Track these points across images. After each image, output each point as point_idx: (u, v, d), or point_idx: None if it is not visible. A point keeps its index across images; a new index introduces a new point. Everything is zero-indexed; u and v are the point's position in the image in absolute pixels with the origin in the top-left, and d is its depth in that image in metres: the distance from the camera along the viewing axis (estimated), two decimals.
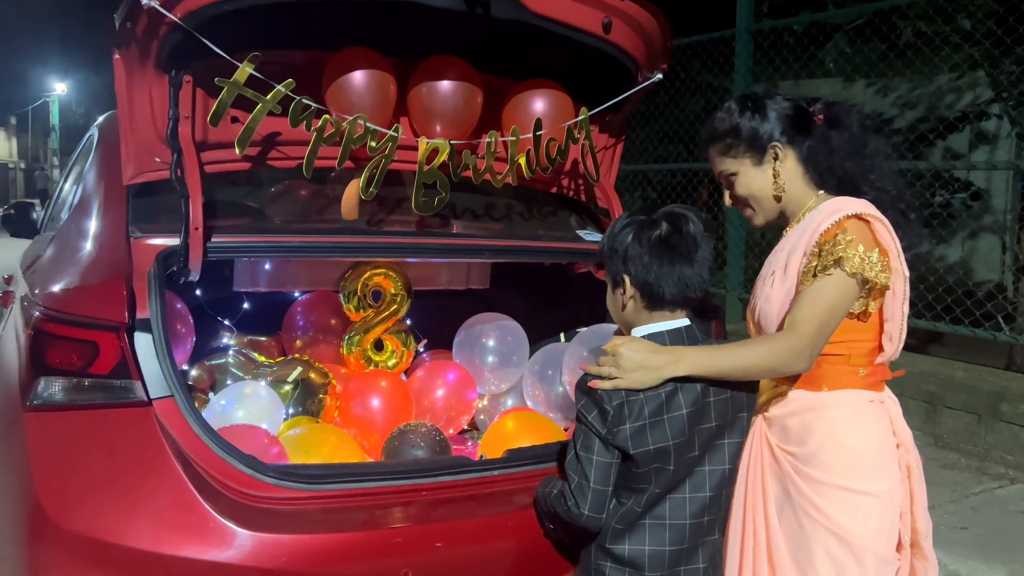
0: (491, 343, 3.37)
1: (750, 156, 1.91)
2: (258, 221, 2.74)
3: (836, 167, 1.89)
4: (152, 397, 2.09)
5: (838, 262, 1.72)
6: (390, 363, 3.29)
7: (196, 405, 2.50)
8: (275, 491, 2.12)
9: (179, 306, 2.70)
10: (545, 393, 3.22)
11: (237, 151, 2.40)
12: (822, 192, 1.92)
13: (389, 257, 2.91)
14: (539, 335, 3.54)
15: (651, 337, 1.75)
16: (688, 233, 1.73)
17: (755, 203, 1.95)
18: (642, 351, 1.70)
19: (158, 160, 2.53)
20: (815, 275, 1.76)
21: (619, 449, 1.69)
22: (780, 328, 1.81)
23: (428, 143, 2.68)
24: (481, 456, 2.45)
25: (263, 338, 3.30)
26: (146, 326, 2.14)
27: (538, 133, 2.83)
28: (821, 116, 1.90)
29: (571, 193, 3.33)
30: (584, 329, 3.14)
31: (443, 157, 2.69)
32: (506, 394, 3.47)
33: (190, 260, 2.38)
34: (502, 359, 3.36)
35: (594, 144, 3.04)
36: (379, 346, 3.30)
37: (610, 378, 1.70)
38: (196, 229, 2.37)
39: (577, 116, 2.92)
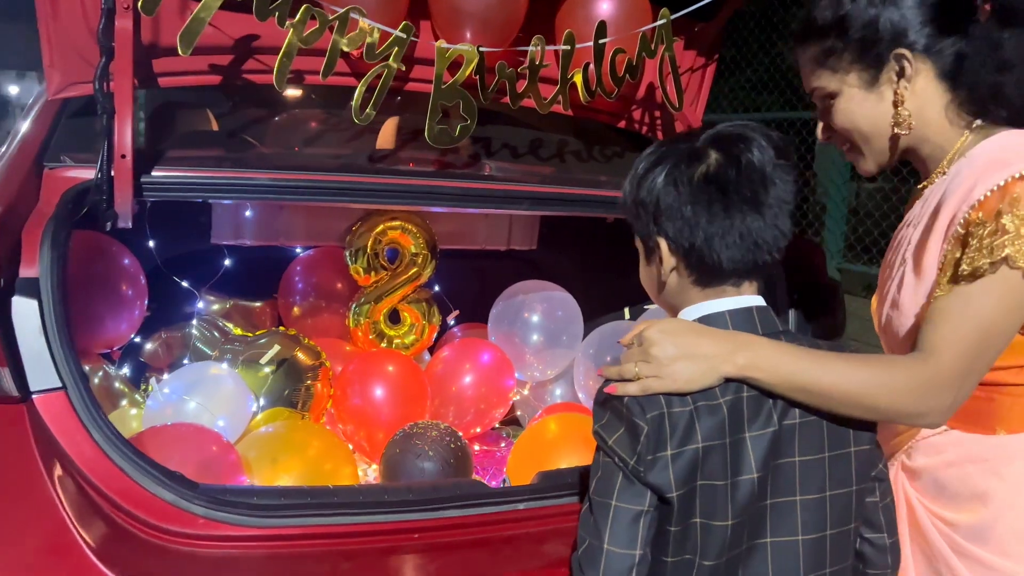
0: (536, 318, 2.68)
1: (860, 69, 1.28)
2: (223, 151, 2.09)
3: (1010, 91, 1.23)
4: (32, 390, 1.48)
5: (1003, 258, 1.11)
6: (408, 340, 2.63)
7: (142, 391, 1.91)
8: (204, 526, 1.50)
9: (126, 261, 2.09)
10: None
11: (180, 50, 1.73)
12: (980, 123, 1.27)
13: (404, 204, 2.23)
14: (597, 310, 2.83)
15: (706, 320, 1.15)
16: (751, 164, 1.13)
17: (863, 141, 1.33)
18: (682, 333, 1.11)
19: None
20: (961, 277, 1.15)
21: (655, 490, 1.08)
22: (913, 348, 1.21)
23: (449, 49, 1.97)
24: (504, 481, 1.76)
25: (256, 303, 2.68)
26: (31, 289, 1.52)
27: (601, 42, 2.10)
28: (989, 5, 1.22)
29: (643, 128, 2.58)
30: (654, 306, 2.40)
31: (469, 70, 2.00)
32: (553, 382, 2.79)
33: (115, 199, 1.75)
34: (549, 338, 2.67)
35: (677, 62, 2.28)
36: (395, 318, 2.64)
37: (637, 379, 1.10)
38: (123, 157, 1.73)
39: (655, 20, 2.17)
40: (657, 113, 2.57)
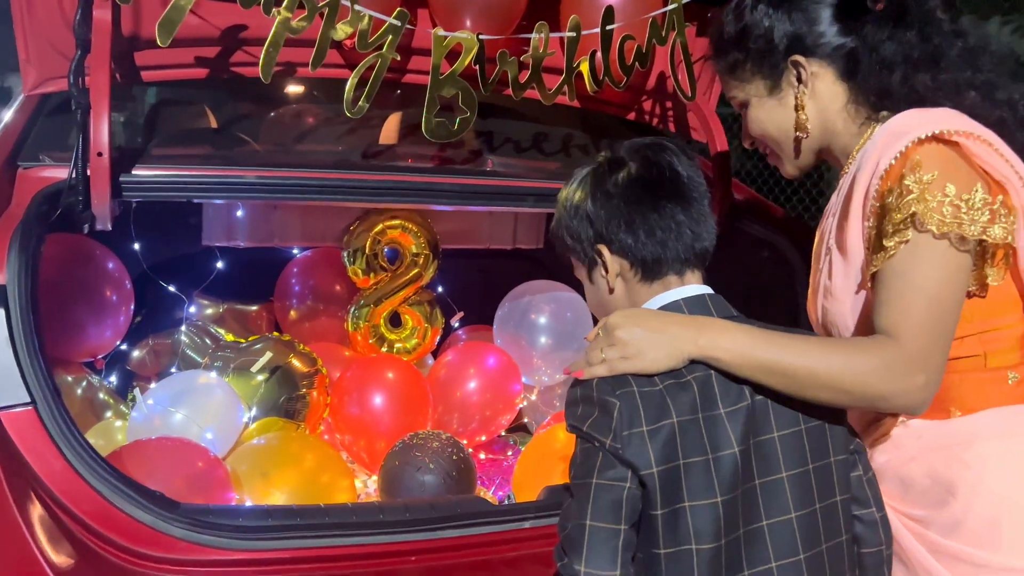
0: (544, 320, 2.57)
1: (761, 78, 1.35)
2: (209, 148, 1.99)
3: (896, 89, 1.27)
4: None
5: (913, 220, 1.13)
6: (409, 344, 2.52)
7: (129, 401, 1.81)
8: (184, 550, 1.39)
9: (110, 265, 1.99)
10: None
11: (158, 40, 1.62)
12: (885, 114, 1.30)
13: (404, 202, 2.11)
14: None
15: (665, 309, 1.19)
16: (668, 163, 1.22)
17: (775, 145, 1.40)
18: (645, 317, 1.14)
19: None
20: (885, 248, 1.16)
21: (634, 469, 1.07)
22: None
23: (447, 38, 1.85)
24: (508, 496, 1.65)
25: (250, 307, 2.57)
26: None
27: (608, 28, 1.98)
28: (881, 4, 1.27)
29: (654, 119, 2.46)
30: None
31: (468, 60, 1.88)
32: (562, 387, 2.66)
33: (92, 200, 1.65)
34: (558, 341, 2.56)
35: (689, 49, 2.16)
36: (396, 321, 2.53)
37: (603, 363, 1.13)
38: (100, 155, 1.63)
39: (666, 5, 2.05)
40: (668, 104, 2.45)
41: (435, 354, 2.66)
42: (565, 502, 1.11)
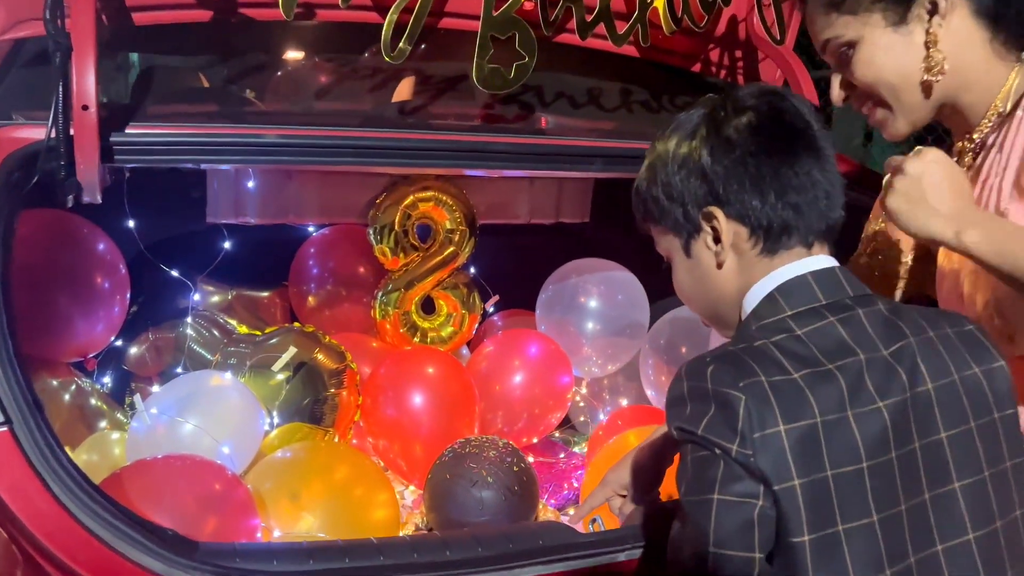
0: (594, 303, 2.28)
1: (884, 8, 1.13)
2: (216, 104, 1.68)
3: None
4: None
5: None
6: (444, 332, 2.22)
7: (126, 408, 1.51)
8: None
9: (101, 247, 1.67)
10: None
11: None
12: None
13: (437, 166, 1.79)
14: (661, 292, 2.40)
15: (784, 289, 0.97)
16: (797, 113, 1.00)
17: (891, 95, 1.18)
18: (958, 177, 1.05)
19: None
20: None
21: (768, 481, 0.85)
22: None
23: None
24: (594, 521, 1.36)
25: (262, 293, 2.26)
26: None
27: None
28: None
29: (722, 72, 2.15)
30: None
31: None
32: (614, 379, 2.37)
33: (77, 164, 1.33)
34: (610, 327, 2.27)
35: None
36: (429, 307, 2.23)
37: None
38: (85, 109, 1.31)
39: None
40: (739, 53, 2.14)
41: (470, 345, 2.37)
42: (674, 527, 0.92)
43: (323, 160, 1.58)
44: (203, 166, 1.63)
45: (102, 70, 1.34)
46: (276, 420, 1.71)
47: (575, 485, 2.12)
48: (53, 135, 1.31)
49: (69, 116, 1.31)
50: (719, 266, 0.98)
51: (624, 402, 2.34)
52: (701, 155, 0.97)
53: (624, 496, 1.31)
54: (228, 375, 1.64)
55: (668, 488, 1.30)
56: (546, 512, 1.79)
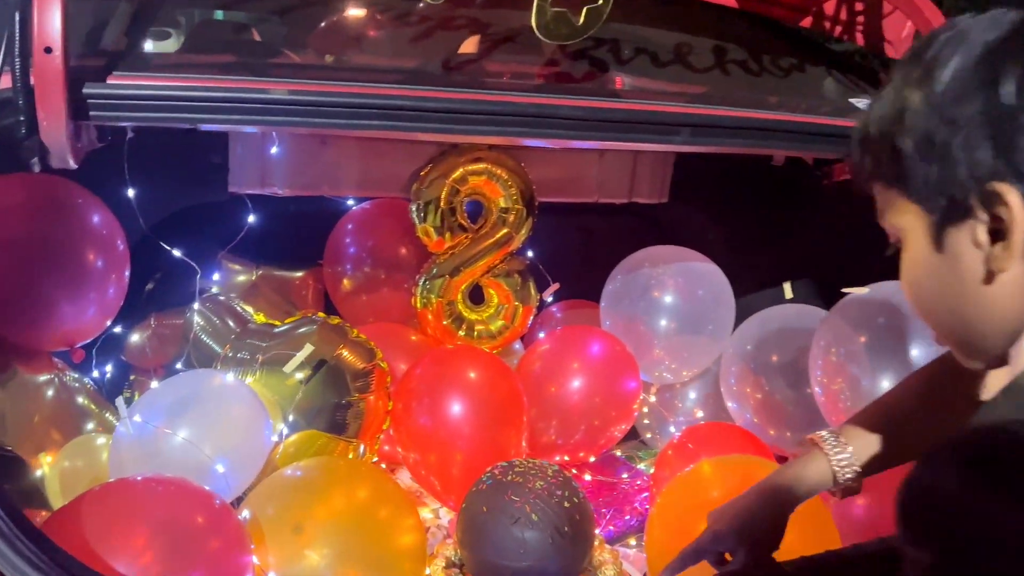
0: (669, 298, 1.96)
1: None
2: (226, 52, 1.41)
3: None
4: None
5: None
6: (494, 326, 1.95)
7: (124, 400, 1.30)
8: None
9: (96, 219, 1.43)
10: (766, 397, 1.77)
11: None
12: None
13: (490, 134, 1.48)
14: (747, 287, 2.07)
15: None
16: None
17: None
18: None
19: None
20: None
21: None
22: None
23: None
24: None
25: (294, 274, 2.02)
26: None
27: None
28: None
29: (839, 27, 1.78)
30: (855, 291, 1.64)
31: None
32: (687, 387, 2.05)
33: (40, 121, 1.08)
34: (688, 326, 1.95)
35: None
36: (477, 296, 1.95)
37: None
38: (49, 52, 1.06)
39: None
40: (859, 6, 1.77)
41: (524, 341, 2.08)
42: None
43: (352, 123, 1.30)
44: (204, 127, 1.36)
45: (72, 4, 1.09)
46: (288, 428, 1.46)
47: (639, 510, 1.82)
48: (8, 84, 1.06)
49: (28, 61, 1.06)
50: (989, 278, 0.64)
51: (700, 415, 2.02)
52: (1001, 97, 0.61)
53: (728, 557, 1.00)
54: (230, 376, 1.39)
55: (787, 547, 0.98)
56: (602, 551, 1.50)
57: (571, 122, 1.35)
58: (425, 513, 1.73)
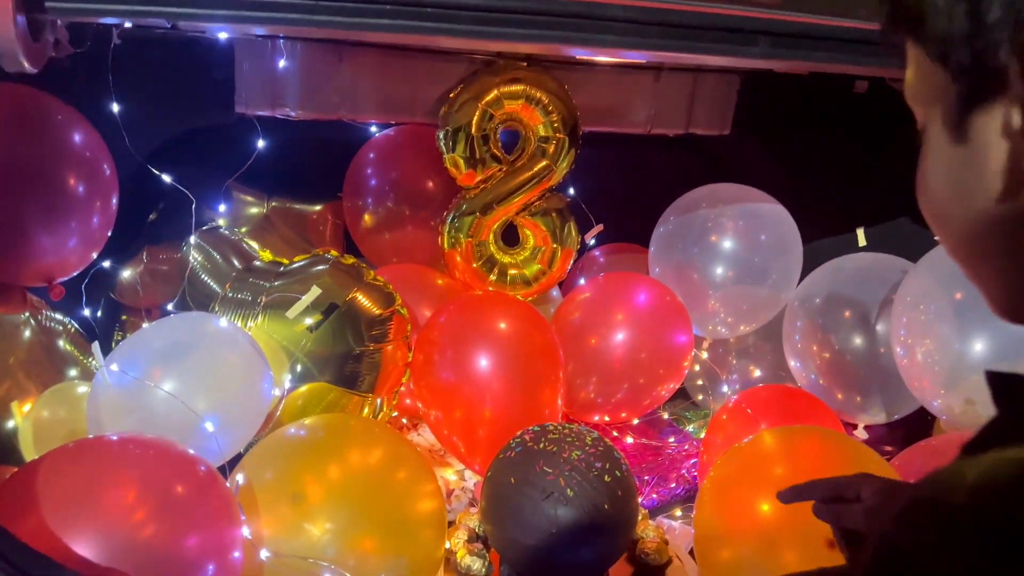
0: (727, 242, 1.75)
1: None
2: None
3: None
4: None
5: None
6: (529, 270, 1.75)
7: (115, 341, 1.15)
8: None
9: (77, 137, 1.25)
10: (835, 357, 1.57)
11: None
12: None
13: (522, 39, 1.24)
14: (822, 230, 1.85)
15: None
16: None
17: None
18: None
19: None
20: None
21: None
22: None
23: None
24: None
25: (311, 207, 1.83)
26: None
27: None
28: None
29: None
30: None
31: None
32: (748, 343, 1.84)
33: None
34: (748, 275, 1.75)
35: None
36: (511, 237, 1.75)
37: None
38: None
39: None
40: None
41: (563, 287, 1.88)
42: None
43: (357, 22, 1.08)
44: (191, 30, 1.16)
45: None
46: (293, 381, 1.29)
47: (687, 478, 1.64)
48: None
49: None
50: (1019, 184, 0.42)
51: (756, 374, 1.82)
52: None
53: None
54: (224, 320, 1.22)
55: None
56: (645, 525, 1.32)
57: (625, 25, 1.12)
58: (448, 474, 1.57)
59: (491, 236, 1.71)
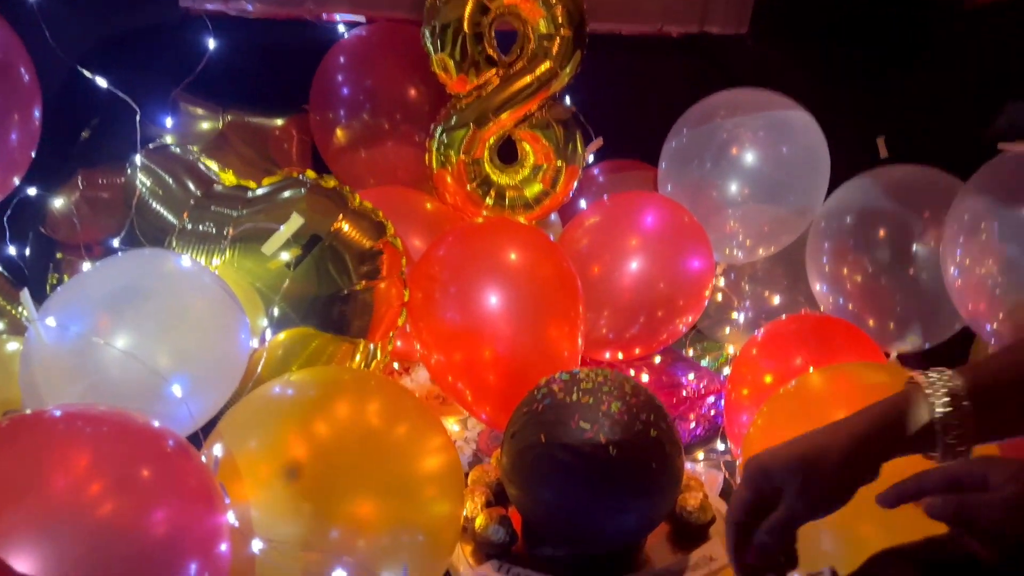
0: (748, 155, 1.59)
1: None
2: None
3: None
4: None
5: None
6: (530, 191, 1.56)
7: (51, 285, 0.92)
8: None
9: None
10: (868, 281, 1.42)
11: None
12: None
13: None
14: (853, 141, 1.68)
15: None
16: None
17: None
18: None
19: None
20: None
21: None
22: None
23: None
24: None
25: (272, 121, 1.59)
26: None
27: None
28: None
29: None
30: (1014, 147, 1.24)
31: None
32: (765, 268, 1.69)
33: None
34: (765, 192, 1.60)
35: None
36: (509, 153, 1.54)
37: None
38: None
39: None
40: None
41: (562, 214, 1.69)
42: None
43: None
44: None
45: None
46: (272, 328, 1.09)
47: (707, 416, 1.50)
48: None
49: None
50: None
51: (776, 301, 1.67)
52: None
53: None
54: (187, 258, 1.00)
55: None
56: (687, 478, 1.17)
57: None
58: (450, 424, 1.40)
59: (487, 152, 1.49)
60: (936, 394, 0.66)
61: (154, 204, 1.15)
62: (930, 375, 0.68)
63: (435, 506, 0.99)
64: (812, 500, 0.67)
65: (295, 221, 1.05)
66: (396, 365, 1.47)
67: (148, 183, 1.15)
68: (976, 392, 0.66)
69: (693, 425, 1.50)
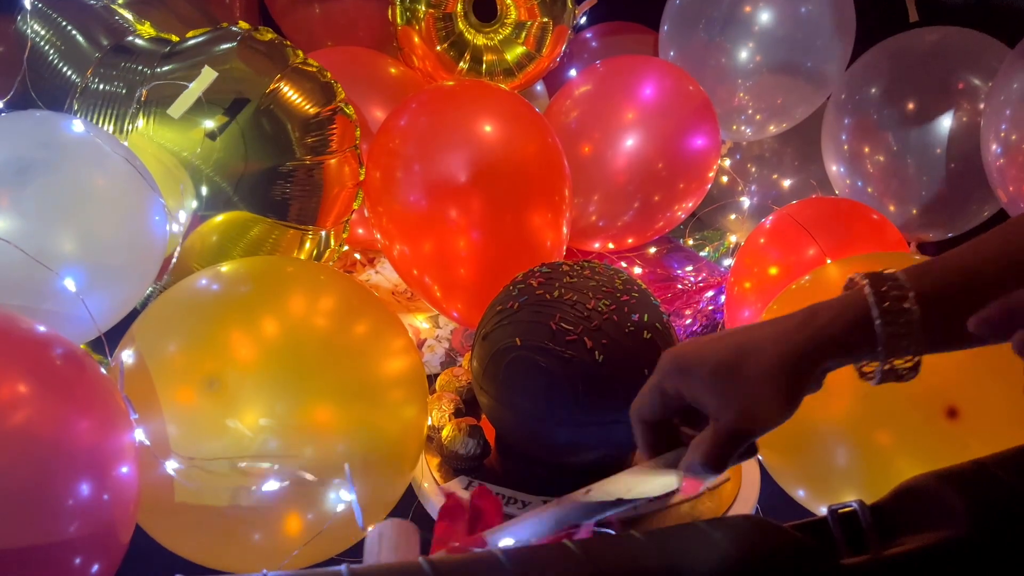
0: (764, 15, 1.38)
1: None
2: None
3: None
4: None
5: None
6: (511, 54, 1.35)
7: None
8: None
9: None
10: (892, 161, 1.27)
11: None
12: None
13: None
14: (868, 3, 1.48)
15: None
16: None
17: None
18: None
19: None
20: None
21: None
22: None
23: None
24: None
25: None
26: None
27: None
28: None
29: None
30: None
31: None
32: (775, 145, 1.51)
33: None
34: (783, 58, 1.40)
35: None
36: (487, 9, 1.33)
37: None
38: None
39: None
40: None
41: (547, 82, 1.49)
42: None
43: None
44: None
45: None
46: (202, 209, 0.92)
47: (706, 311, 1.36)
48: None
49: None
50: None
51: (786, 184, 1.50)
52: None
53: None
54: (86, 123, 0.81)
55: None
56: None
57: None
58: (418, 321, 1.25)
59: (459, 7, 1.28)
60: (879, 296, 0.53)
61: (51, 58, 0.95)
62: (874, 274, 0.55)
63: (397, 412, 0.86)
64: (742, 410, 0.54)
65: (207, 75, 0.86)
66: (358, 256, 1.31)
67: (43, 33, 0.94)
68: (925, 296, 0.52)
69: (689, 322, 1.37)
